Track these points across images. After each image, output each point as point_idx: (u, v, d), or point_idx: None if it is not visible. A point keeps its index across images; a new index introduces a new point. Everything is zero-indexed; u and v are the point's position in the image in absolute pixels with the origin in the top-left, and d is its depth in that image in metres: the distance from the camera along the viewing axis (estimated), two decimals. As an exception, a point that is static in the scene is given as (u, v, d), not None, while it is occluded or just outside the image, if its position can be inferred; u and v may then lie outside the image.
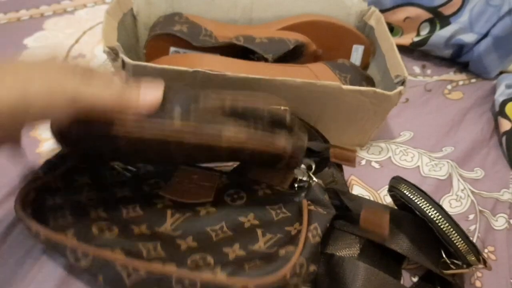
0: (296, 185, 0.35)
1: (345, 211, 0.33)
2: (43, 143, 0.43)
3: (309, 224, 0.28)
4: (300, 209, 0.30)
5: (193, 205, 0.32)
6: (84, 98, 0.22)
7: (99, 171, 0.33)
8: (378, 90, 0.37)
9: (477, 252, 0.29)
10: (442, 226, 0.29)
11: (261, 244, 0.29)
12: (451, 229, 0.29)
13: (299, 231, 0.28)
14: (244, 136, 0.26)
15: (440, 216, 0.29)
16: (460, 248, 0.29)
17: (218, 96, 0.27)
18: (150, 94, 0.25)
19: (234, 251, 0.28)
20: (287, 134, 0.28)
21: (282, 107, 0.28)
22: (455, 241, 0.29)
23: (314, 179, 0.32)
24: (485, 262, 0.30)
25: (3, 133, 0.22)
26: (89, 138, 0.26)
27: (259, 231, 0.30)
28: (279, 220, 0.31)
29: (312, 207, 0.30)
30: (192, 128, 0.25)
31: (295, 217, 0.31)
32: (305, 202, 0.30)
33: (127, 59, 0.35)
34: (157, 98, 0.25)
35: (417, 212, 0.30)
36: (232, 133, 0.26)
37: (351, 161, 0.33)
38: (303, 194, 0.32)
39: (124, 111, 0.24)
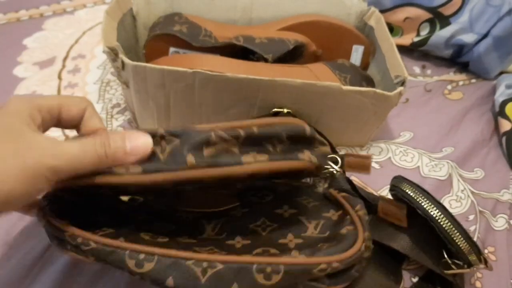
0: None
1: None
2: None
3: (353, 207, 0.29)
4: (328, 198, 0.30)
5: (224, 211, 0.31)
6: (60, 170, 0.20)
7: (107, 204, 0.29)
8: (378, 90, 0.37)
9: (478, 252, 0.29)
10: (444, 226, 0.29)
11: (312, 230, 0.28)
12: (453, 229, 0.29)
13: (341, 216, 0.29)
14: (265, 159, 0.24)
15: (442, 215, 0.29)
16: (462, 248, 0.29)
17: (232, 132, 0.24)
18: (138, 141, 0.22)
19: (291, 240, 0.27)
20: (310, 146, 0.27)
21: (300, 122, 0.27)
22: (457, 241, 0.29)
23: (337, 168, 0.31)
24: (486, 262, 0.30)
25: None
26: (86, 194, 0.25)
27: (302, 218, 0.29)
28: (312, 208, 0.31)
29: (344, 194, 0.30)
30: (208, 169, 0.23)
31: (326, 205, 0.30)
32: (333, 191, 0.30)
33: (126, 60, 0.35)
34: (147, 145, 0.22)
35: (419, 212, 0.30)
36: (252, 159, 0.24)
37: (367, 169, 0.31)
38: (325, 185, 0.32)
39: (113, 165, 0.22)
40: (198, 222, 0.30)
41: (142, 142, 0.22)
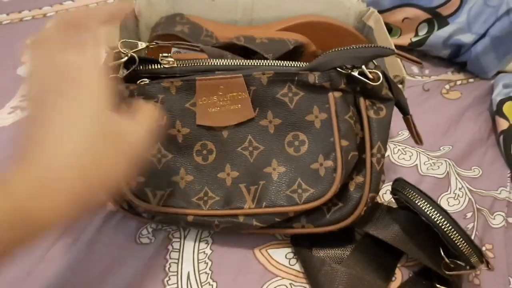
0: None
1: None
2: None
3: (371, 146, 0.32)
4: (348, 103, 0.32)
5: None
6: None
7: None
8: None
9: (480, 254, 0.30)
10: (447, 231, 0.29)
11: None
12: (456, 234, 0.29)
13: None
14: None
15: (445, 222, 0.29)
16: (465, 252, 0.30)
17: None
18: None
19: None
20: None
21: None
22: (460, 245, 0.29)
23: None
24: (488, 263, 0.30)
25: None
26: None
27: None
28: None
29: (371, 113, 0.32)
30: None
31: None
32: (363, 104, 0.32)
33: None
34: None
35: (423, 218, 0.31)
36: None
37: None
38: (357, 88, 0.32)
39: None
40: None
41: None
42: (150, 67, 0.32)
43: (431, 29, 0.58)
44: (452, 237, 0.29)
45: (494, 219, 0.41)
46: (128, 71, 0.31)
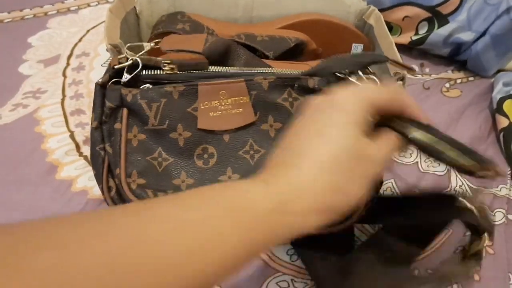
0: None
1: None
2: (48, 139, 0.43)
3: None
4: None
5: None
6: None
7: None
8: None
9: (472, 152, 0.25)
10: (427, 141, 0.26)
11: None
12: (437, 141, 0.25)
13: None
14: None
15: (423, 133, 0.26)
16: (452, 156, 0.25)
17: None
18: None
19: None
20: None
21: None
22: (443, 150, 0.25)
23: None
24: (490, 164, 0.24)
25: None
26: None
27: None
28: None
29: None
30: None
31: None
32: None
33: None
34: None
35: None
36: None
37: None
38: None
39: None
40: None
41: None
42: (151, 72, 0.33)
43: (431, 27, 0.58)
44: (432, 144, 0.25)
45: (494, 215, 0.41)
46: (131, 76, 0.32)
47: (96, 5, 0.64)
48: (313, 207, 0.20)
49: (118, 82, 0.32)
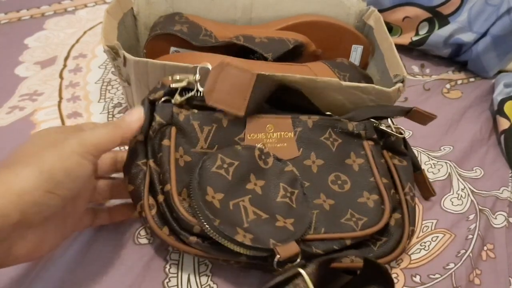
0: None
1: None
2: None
3: (403, 186, 0.35)
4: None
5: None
6: (89, 142, 0.26)
7: None
8: (377, 86, 0.38)
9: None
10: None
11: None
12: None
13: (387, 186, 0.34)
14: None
15: None
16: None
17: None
18: (134, 114, 0.29)
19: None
20: None
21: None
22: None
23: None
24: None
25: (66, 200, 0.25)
26: None
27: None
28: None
29: (396, 161, 0.37)
30: None
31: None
32: (386, 154, 0.37)
33: (128, 55, 0.35)
34: (140, 115, 0.30)
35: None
36: None
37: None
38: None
39: (125, 135, 0.28)
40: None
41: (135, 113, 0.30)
42: (202, 95, 0.32)
43: (431, 28, 0.58)
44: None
45: (495, 218, 0.40)
46: (185, 98, 0.32)
47: (94, 5, 0.63)
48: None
49: (168, 100, 0.32)
